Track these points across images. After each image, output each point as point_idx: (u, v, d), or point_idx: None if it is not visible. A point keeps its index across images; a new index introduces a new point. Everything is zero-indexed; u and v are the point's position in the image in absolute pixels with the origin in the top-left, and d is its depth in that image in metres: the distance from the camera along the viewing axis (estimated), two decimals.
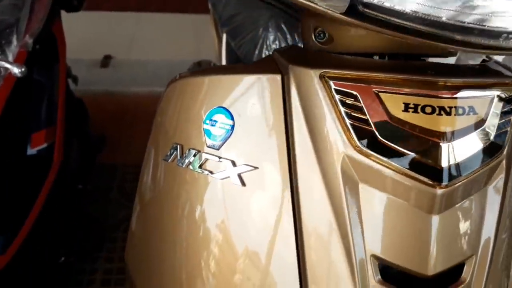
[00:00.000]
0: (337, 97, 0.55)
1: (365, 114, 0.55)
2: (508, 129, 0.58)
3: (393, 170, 0.54)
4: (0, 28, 1.30)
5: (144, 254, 0.73)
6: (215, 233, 0.63)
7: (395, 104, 0.54)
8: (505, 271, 0.61)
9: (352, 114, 0.55)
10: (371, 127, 0.55)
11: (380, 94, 0.54)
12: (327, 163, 0.57)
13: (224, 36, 1.57)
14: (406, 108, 0.54)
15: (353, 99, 0.55)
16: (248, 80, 0.62)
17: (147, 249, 0.73)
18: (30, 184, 1.42)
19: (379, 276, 0.56)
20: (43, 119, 1.55)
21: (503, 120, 0.58)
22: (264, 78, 0.61)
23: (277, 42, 1.33)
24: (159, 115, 0.72)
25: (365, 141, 0.55)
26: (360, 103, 0.55)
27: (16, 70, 1.12)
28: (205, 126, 0.65)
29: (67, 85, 1.77)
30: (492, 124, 0.57)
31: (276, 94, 0.60)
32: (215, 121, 0.64)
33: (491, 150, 0.57)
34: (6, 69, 1.21)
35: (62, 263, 1.64)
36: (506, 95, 0.58)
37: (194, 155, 0.65)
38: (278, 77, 0.61)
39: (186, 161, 0.65)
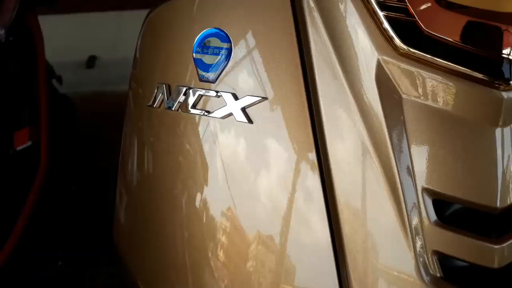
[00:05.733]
0: None
1: (403, 1, 0.42)
2: None
3: (446, 71, 0.41)
4: None
5: (135, 231, 0.60)
6: (218, 185, 0.50)
7: None
8: None
9: (386, 3, 0.42)
10: (413, 16, 0.42)
11: None
12: (358, 75, 0.44)
13: None
14: None
15: None
16: None
17: (138, 222, 0.59)
18: (16, 185, 1.32)
19: (435, 216, 0.43)
20: (25, 116, 1.47)
21: None
22: None
23: None
24: (137, 59, 0.59)
25: (406, 37, 0.42)
26: None
27: None
28: (196, 56, 0.52)
29: (50, 82, 1.69)
30: None
31: None
32: (208, 47, 0.51)
33: None
34: None
35: (60, 267, 1.53)
36: None
37: (185, 93, 0.52)
38: None
39: (176, 102, 0.52)
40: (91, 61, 2.93)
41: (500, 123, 0.42)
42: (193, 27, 0.52)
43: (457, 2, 0.41)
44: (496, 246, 0.43)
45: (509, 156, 0.43)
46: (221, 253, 0.50)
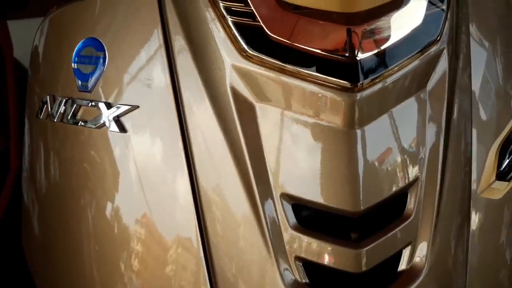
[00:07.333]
0: None
1: (248, 5, 0.41)
2: (444, 7, 0.44)
3: (294, 76, 0.41)
4: None
5: (43, 245, 0.60)
6: (104, 195, 0.50)
7: None
8: (462, 192, 0.47)
9: (233, 8, 0.42)
10: (258, 21, 0.41)
11: None
12: (214, 83, 0.44)
13: None
14: None
15: None
16: None
17: (44, 235, 0.59)
18: None
19: (294, 220, 0.43)
20: None
21: None
22: None
23: None
24: (30, 69, 0.59)
25: (253, 42, 0.41)
26: None
27: None
28: (74, 65, 0.52)
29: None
30: None
31: (151, 4, 0.47)
32: (85, 56, 0.51)
33: (423, 34, 0.43)
34: None
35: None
36: None
37: (65, 104, 0.52)
38: None
39: (58, 112, 0.52)
40: None
41: (356, 125, 0.42)
42: (73, 36, 0.52)
43: (295, 3, 0.40)
44: (360, 250, 0.43)
45: (364, 158, 0.42)
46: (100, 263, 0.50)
